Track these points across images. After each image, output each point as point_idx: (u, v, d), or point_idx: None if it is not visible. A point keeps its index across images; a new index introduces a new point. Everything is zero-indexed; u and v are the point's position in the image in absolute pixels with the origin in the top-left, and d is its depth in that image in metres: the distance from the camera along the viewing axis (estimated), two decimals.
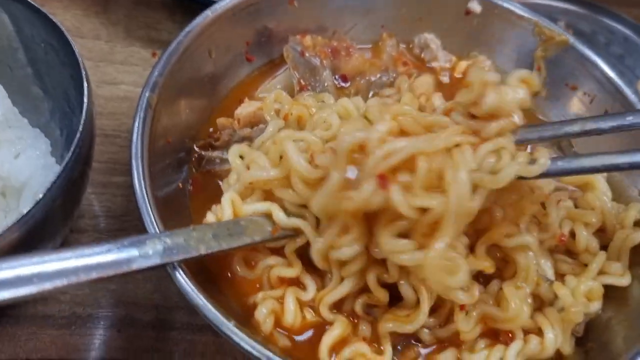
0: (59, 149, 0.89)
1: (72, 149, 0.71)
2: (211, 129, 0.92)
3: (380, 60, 1.04)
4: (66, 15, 1.20)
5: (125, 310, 0.87)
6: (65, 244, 0.88)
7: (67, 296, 0.87)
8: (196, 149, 0.89)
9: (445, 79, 1.06)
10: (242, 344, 0.66)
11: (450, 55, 1.08)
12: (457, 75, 1.06)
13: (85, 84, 0.77)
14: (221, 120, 0.90)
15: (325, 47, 0.99)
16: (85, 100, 0.76)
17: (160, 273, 0.85)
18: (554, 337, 0.76)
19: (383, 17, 1.06)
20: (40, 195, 0.67)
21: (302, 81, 0.96)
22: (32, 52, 0.90)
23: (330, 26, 1.04)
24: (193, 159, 0.89)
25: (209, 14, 0.91)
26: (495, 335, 0.78)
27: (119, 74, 1.14)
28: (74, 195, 0.78)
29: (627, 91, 0.94)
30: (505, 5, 1.02)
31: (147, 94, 0.80)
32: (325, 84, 0.96)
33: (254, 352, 0.65)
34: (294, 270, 0.77)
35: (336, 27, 1.05)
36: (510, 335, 0.77)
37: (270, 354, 0.65)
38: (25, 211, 0.66)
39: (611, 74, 0.96)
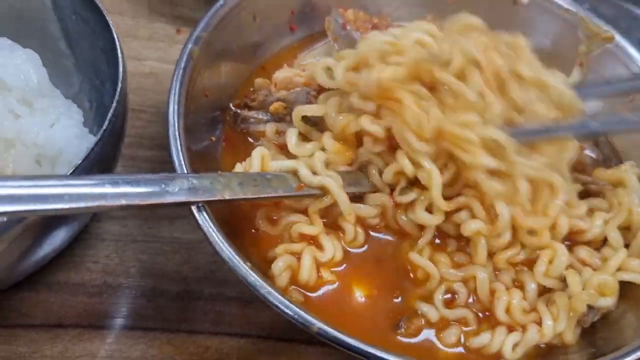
0: (89, 121, 0.90)
1: (107, 119, 0.72)
2: (251, 89, 0.94)
3: None
4: None
5: (154, 281, 0.89)
6: (95, 213, 0.91)
7: (99, 265, 0.89)
8: (232, 107, 0.92)
9: None
10: (253, 282, 0.67)
11: None
12: None
13: (120, 56, 0.78)
14: (259, 81, 0.92)
15: (366, 22, 1.00)
16: (120, 71, 0.77)
17: (188, 245, 0.91)
18: (552, 324, 0.76)
19: (430, 1, 1.07)
20: (78, 162, 0.68)
21: None
22: (64, 23, 0.91)
23: (375, 5, 1.06)
24: (228, 117, 0.92)
25: None
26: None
27: (144, 49, 1.16)
28: (106, 167, 0.79)
29: None
30: None
31: (189, 46, 0.83)
32: None
33: (262, 291, 0.67)
34: (315, 228, 0.79)
35: (381, 7, 1.06)
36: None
37: (276, 293, 0.67)
38: None
39: None
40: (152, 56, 1.15)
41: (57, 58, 0.93)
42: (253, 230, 0.82)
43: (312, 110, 0.84)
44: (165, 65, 1.12)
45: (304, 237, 0.79)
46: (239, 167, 0.78)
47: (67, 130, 0.81)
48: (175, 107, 0.77)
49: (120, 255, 0.90)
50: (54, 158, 0.80)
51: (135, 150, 1.01)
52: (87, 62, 0.91)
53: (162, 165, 0.98)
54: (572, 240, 0.84)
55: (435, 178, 0.76)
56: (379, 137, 0.79)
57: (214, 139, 0.88)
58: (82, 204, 0.60)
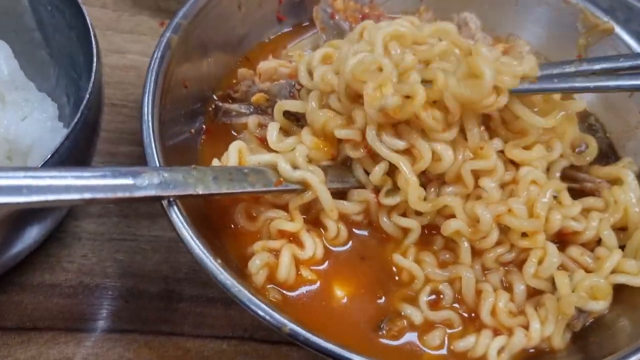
0: (66, 116, 0.88)
1: (80, 110, 0.69)
2: (234, 81, 0.91)
3: None
4: None
5: (133, 280, 0.86)
6: (71, 210, 0.88)
7: (74, 265, 0.86)
8: (214, 98, 0.89)
9: None
10: (223, 280, 0.64)
11: (488, 37, 1.04)
12: None
13: (94, 46, 0.75)
14: (242, 71, 0.89)
15: (356, 12, 0.97)
16: (95, 62, 0.74)
17: (169, 244, 0.88)
18: (540, 328, 0.73)
19: None
20: (48, 157, 0.65)
21: None
22: (38, 14, 0.88)
23: None
24: (210, 109, 0.89)
25: None
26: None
27: (126, 43, 1.13)
28: (80, 162, 0.76)
29: None
30: None
31: (167, 34, 0.80)
32: None
33: (232, 290, 0.64)
34: (295, 224, 0.76)
35: None
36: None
37: (246, 291, 0.64)
38: None
39: None
40: (134, 49, 1.12)
41: (33, 50, 0.90)
42: (232, 226, 0.79)
43: (293, 105, 0.81)
44: (147, 58, 1.03)
45: (283, 234, 0.76)
46: (216, 162, 0.76)
47: (40, 124, 0.78)
48: (150, 98, 0.74)
49: (97, 255, 0.87)
50: (25, 153, 0.77)
51: (116, 146, 0.98)
52: (64, 55, 0.88)
53: (143, 161, 0.95)
54: (566, 241, 0.81)
55: (412, 184, 0.73)
56: (356, 141, 0.76)
57: (193, 131, 0.85)
58: (41, 197, 0.57)
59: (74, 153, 0.70)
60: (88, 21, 0.78)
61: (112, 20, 1.15)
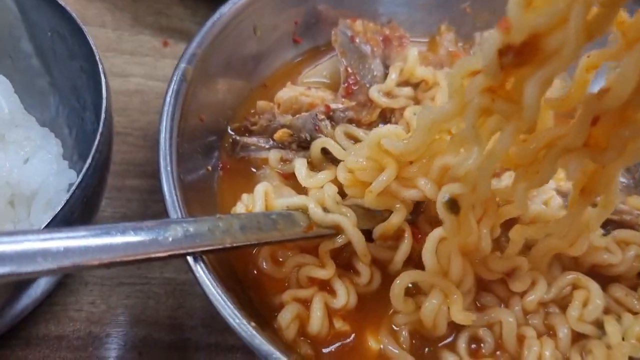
0: (69, 148, 0.81)
1: (91, 154, 0.63)
2: (252, 111, 0.85)
3: (435, 55, 0.96)
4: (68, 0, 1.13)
5: (146, 329, 0.79)
6: None
7: (82, 314, 0.79)
8: (230, 131, 0.83)
9: None
10: (262, 348, 0.59)
11: None
12: None
13: (102, 79, 0.69)
14: (261, 104, 0.83)
15: (377, 34, 0.91)
16: (104, 96, 0.68)
17: (183, 287, 0.81)
18: None
19: (443, 9, 0.98)
20: (58, 209, 0.59)
21: (349, 69, 0.88)
22: (37, 40, 0.81)
23: (385, 13, 0.97)
24: (226, 143, 0.83)
25: None
26: None
27: (128, 65, 1.06)
28: (92, 204, 0.71)
29: None
30: None
31: (183, 66, 0.74)
32: (375, 74, 0.88)
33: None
34: (327, 271, 0.70)
35: (392, 14, 0.97)
36: None
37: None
38: (36, 222, 0.60)
39: None
40: (137, 72, 1.05)
41: (31, 78, 0.84)
42: (255, 271, 0.74)
43: (337, 150, 0.76)
44: (152, 82, 1.03)
45: (313, 282, 0.71)
46: (240, 207, 0.70)
47: (45, 167, 0.72)
48: (167, 140, 0.68)
49: (106, 301, 0.80)
50: (29, 198, 0.71)
51: (122, 179, 0.91)
52: (66, 83, 0.81)
53: (152, 195, 0.89)
54: (597, 273, 0.76)
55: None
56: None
57: (210, 168, 0.79)
58: (57, 264, 0.51)
59: (86, 199, 0.65)
60: (94, 50, 0.72)
61: (112, 41, 1.08)
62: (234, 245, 0.62)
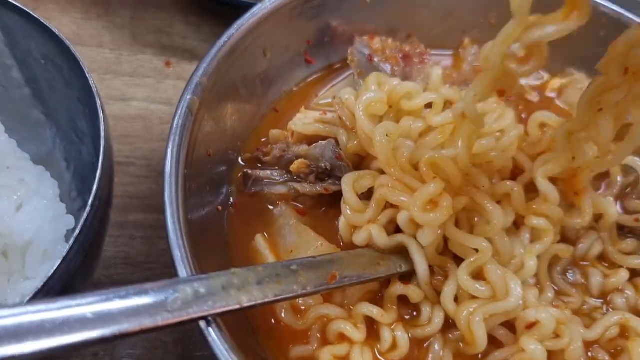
0: (66, 184, 0.75)
1: (90, 201, 0.57)
2: (264, 139, 0.78)
3: (459, 73, 0.89)
4: (63, 19, 1.02)
5: None
6: None
7: None
8: (241, 162, 0.76)
9: (534, 98, 0.90)
10: None
11: (541, 72, 0.92)
12: (549, 94, 0.91)
13: (100, 113, 0.62)
14: (274, 133, 0.76)
15: (396, 51, 0.84)
16: (103, 134, 0.61)
17: (192, 333, 0.75)
18: None
19: (466, 21, 0.91)
20: (58, 262, 0.53)
21: None
22: (29, 69, 0.75)
23: (404, 28, 0.90)
24: (238, 175, 0.76)
25: (266, 4, 0.77)
26: None
27: (129, 88, 0.98)
28: (95, 250, 0.64)
29: None
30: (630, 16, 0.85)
31: (188, 97, 0.66)
32: None
33: None
34: (360, 334, 0.65)
35: (411, 29, 0.90)
36: None
37: None
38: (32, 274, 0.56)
39: None
40: (139, 95, 0.97)
41: (25, 109, 0.77)
42: (272, 321, 0.67)
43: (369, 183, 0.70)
44: (155, 105, 0.95)
45: (343, 338, 0.65)
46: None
47: (39, 214, 0.65)
48: (173, 180, 0.61)
49: (110, 353, 0.74)
50: (23, 248, 0.64)
51: (124, 214, 0.84)
52: (62, 114, 0.75)
53: (157, 231, 0.82)
54: None
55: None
56: None
57: (220, 208, 0.72)
58: (54, 342, 0.44)
59: (87, 247, 0.59)
60: (88, 77, 0.65)
61: (110, 62, 1.00)
62: (251, 304, 0.55)
